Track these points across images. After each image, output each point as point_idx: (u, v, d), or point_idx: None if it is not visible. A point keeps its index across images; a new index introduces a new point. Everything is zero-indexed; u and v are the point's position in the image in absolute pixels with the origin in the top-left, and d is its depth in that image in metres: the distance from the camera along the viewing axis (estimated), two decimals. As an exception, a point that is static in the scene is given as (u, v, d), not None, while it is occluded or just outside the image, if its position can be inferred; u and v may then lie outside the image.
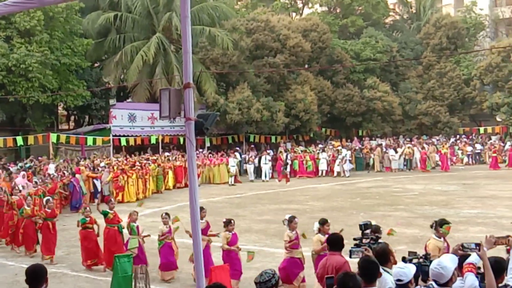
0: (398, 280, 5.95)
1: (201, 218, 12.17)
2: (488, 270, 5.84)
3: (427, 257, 6.66)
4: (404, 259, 6.72)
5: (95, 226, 14.67)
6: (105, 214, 14.19)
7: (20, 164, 28.01)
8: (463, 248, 6.02)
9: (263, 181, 34.45)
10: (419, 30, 51.99)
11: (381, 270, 6.02)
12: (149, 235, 13.75)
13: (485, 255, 5.92)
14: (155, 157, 32.54)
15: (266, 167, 35.41)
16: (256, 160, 36.05)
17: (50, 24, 33.44)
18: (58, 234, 16.20)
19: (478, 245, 5.98)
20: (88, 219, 14.44)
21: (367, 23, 50.69)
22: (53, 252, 15.26)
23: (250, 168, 35.53)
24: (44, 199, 16.77)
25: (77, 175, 25.51)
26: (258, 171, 35.83)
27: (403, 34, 52.94)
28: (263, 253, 14.13)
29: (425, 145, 38.28)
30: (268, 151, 37.67)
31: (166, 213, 13.41)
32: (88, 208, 14.91)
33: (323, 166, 36.03)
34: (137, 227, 13.47)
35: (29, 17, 31.58)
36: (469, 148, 40.87)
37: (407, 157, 37.60)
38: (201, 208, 12.14)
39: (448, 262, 5.71)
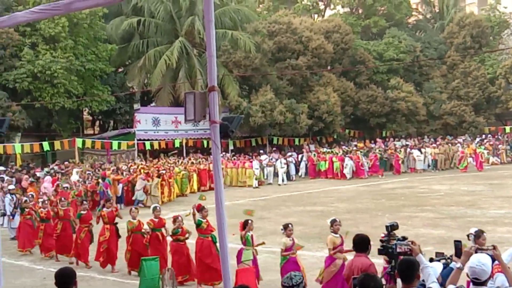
0: (423, 282, 5.94)
1: (335, 232, 10.86)
2: (505, 269, 5.84)
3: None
4: (431, 260, 6.69)
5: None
6: (198, 223, 12.83)
7: (46, 169, 28.33)
8: (478, 251, 5.98)
9: (279, 185, 33.66)
10: (443, 29, 51.54)
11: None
12: (263, 243, 12.68)
13: (499, 256, 5.90)
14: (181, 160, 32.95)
15: (282, 171, 34.61)
16: (277, 163, 35.54)
17: (75, 30, 33.86)
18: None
19: (493, 247, 5.97)
20: (180, 229, 13.07)
21: (390, 23, 50.38)
22: (164, 265, 13.33)
23: (270, 171, 35.03)
24: (151, 206, 15.07)
25: (106, 179, 25.70)
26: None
27: (426, 33, 52.53)
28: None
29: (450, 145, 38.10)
30: (290, 153, 37.61)
31: (290, 223, 11.85)
32: (180, 217, 13.24)
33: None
34: (252, 236, 12.25)
35: (54, 24, 32.01)
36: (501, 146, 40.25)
37: (432, 158, 37.23)
38: (334, 220, 10.92)
39: (487, 259, 5.68)
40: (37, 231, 16.86)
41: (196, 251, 12.90)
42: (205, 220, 12.91)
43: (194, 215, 12.86)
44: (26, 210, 17.74)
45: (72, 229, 16.24)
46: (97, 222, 15.33)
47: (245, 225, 12.04)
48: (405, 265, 5.74)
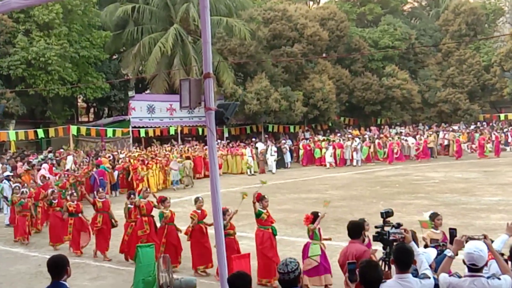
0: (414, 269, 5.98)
1: (436, 228, 9.90)
2: (497, 257, 5.88)
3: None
4: (426, 246, 6.73)
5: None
6: (258, 214, 11.92)
7: (41, 157, 28.23)
8: (469, 240, 6.00)
9: (272, 173, 33.11)
10: (438, 17, 51.56)
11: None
12: (330, 238, 11.68)
13: (491, 245, 5.93)
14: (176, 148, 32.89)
15: (272, 159, 34.22)
16: (267, 151, 34.90)
17: (69, 17, 33.69)
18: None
19: (484, 236, 6.00)
20: (229, 224, 11.96)
21: (385, 11, 50.35)
22: (210, 260, 12.70)
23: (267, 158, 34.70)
24: (194, 198, 13.62)
25: (101, 167, 25.64)
26: (277, 161, 35.38)
27: (421, 21, 52.51)
28: (284, 242, 14.12)
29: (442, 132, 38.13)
30: (285, 141, 37.58)
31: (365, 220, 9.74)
32: (230, 210, 12.14)
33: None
34: (319, 229, 11.12)
35: (48, 11, 31.84)
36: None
37: (429, 145, 37.16)
38: (435, 214, 9.83)
39: (483, 246, 5.70)
40: (66, 225, 15.45)
41: (256, 244, 11.95)
42: (265, 211, 11.98)
43: (254, 203, 11.93)
44: (54, 202, 16.32)
45: (111, 223, 14.93)
46: (130, 216, 14.22)
47: (315, 218, 10.91)
48: (401, 252, 5.76)
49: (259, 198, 12.05)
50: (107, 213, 14.93)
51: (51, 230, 16.26)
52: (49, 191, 17.49)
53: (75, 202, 15.57)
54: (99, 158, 27.71)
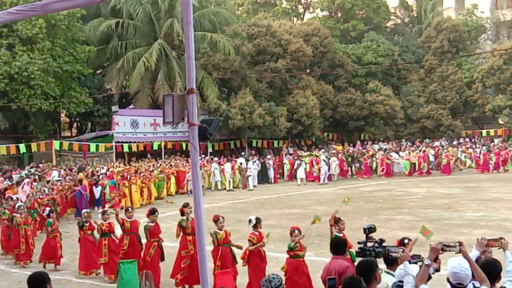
0: (400, 281, 5.99)
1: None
2: (474, 266, 5.88)
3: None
4: (409, 262, 6.74)
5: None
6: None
7: (25, 172, 27.97)
8: (444, 247, 6.00)
9: (249, 190, 32.85)
10: (420, 33, 52.00)
11: (384, 273, 6.02)
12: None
13: (466, 252, 5.94)
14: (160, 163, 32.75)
15: (248, 174, 33.78)
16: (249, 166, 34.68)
17: (52, 31, 33.56)
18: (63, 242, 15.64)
19: (459, 243, 5.99)
20: (298, 244, 10.84)
21: (368, 27, 50.75)
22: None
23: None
24: (253, 218, 12.17)
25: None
26: (261, 177, 35.45)
27: (404, 37, 52.93)
28: (267, 257, 14.06)
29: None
30: (269, 156, 37.58)
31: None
32: (297, 231, 10.91)
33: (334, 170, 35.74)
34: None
35: (31, 25, 31.69)
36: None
37: (412, 161, 37.28)
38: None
39: (466, 263, 5.71)
40: (100, 248, 14.02)
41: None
42: (341, 234, 10.59)
43: (331, 226, 10.68)
44: (86, 225, 14.55)
45: (140, 245, 13.48)
46: (177, 236, 13.05)
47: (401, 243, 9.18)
48: (363, 267, 5.80)
49: (335, 220, 10.86)
50: (135, 235, 13.58)
51: (82, 256, 14.61)
52: (83, 212, 15.51)
53: (107, 221, 14.19)
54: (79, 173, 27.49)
